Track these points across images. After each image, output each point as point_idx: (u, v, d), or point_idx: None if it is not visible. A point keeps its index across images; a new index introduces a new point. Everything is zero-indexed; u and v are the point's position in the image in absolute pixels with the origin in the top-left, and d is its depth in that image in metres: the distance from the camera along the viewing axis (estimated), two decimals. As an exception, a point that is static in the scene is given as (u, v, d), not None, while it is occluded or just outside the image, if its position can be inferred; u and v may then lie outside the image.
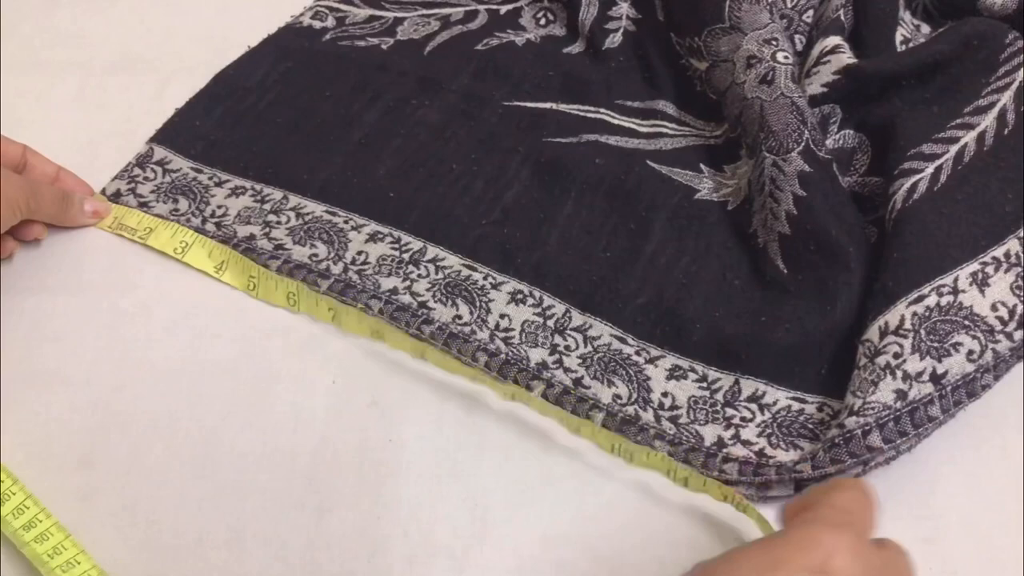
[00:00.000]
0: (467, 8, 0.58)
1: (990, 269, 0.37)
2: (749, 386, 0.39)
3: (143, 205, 0.47)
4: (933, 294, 0.37)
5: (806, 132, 0.43)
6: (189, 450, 0.38)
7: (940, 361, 0.36)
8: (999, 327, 0.36)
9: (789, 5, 0.51)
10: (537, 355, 0.40)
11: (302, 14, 0.58)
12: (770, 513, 0.36)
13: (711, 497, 0.36)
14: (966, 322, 0.36)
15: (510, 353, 0.40)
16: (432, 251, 0.44)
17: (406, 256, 0.44)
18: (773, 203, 0.42)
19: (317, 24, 0.57)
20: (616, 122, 0.50)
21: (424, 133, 0.50)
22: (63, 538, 0.35)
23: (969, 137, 0.41)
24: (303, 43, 0.55)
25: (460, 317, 0.42)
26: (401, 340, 0.41)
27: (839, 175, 0.43)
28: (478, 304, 0.42)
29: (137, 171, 0.49)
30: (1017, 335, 0.36)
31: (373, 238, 0.45)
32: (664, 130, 0.50)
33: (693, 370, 0.40)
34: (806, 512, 0.27)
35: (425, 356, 0.40)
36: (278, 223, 0.46)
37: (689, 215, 0.45)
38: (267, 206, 0.47)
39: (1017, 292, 0.37)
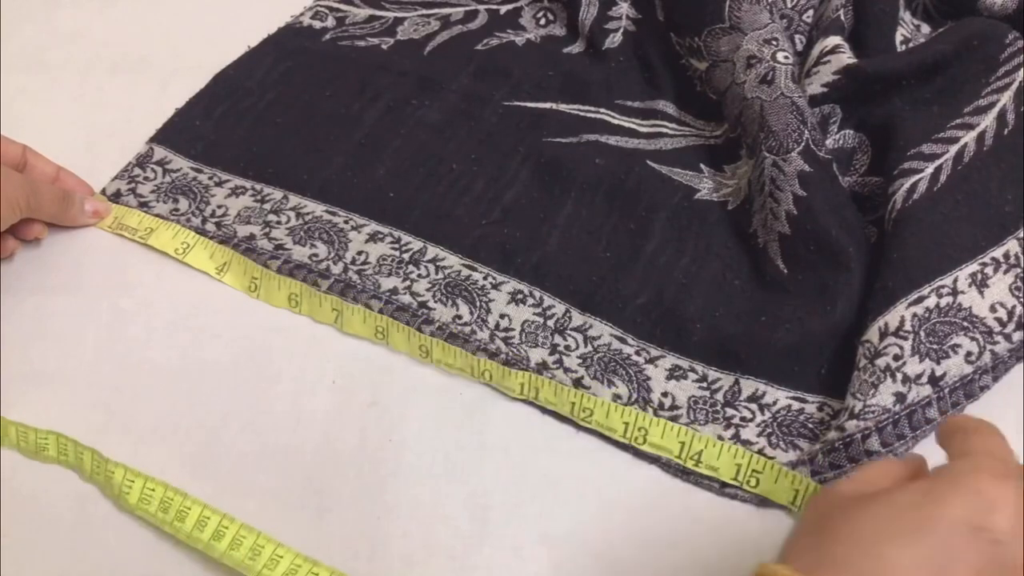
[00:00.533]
0: (467, 8, 0.58)
1: (989, 270, 0.37)
2: (749, 386, 0.39)
3: (143, 205, 0.47)
4: (933, 295, 0.37)
5: (806, 132, 0.43)
6: (189, 450, 0.38)
7: (939, 363, 0.36)
8: (998, 328, 0.36)
9: (789, 5, 0.51)
10: (537, 355, 0.40)
11: (302, 14, 0.58)
12: (771, 518, 0.36)
13: (722, 476, 0.36)
14: (965, 323, 0.36)
15: (510, 353, 0.40)
16: (432, 251, 0.44)
17: (406, 256, 0.44)
18: (773, 203, 0.42)
19: (317, 24, 0.57)
20: (616, 122, 0.50)
21: (424, 133, 0.50)
22: (256, 537, 0.34)
23: (969, 137, 0.41)
24: (303, 43, 0.56)
25: (460, 317, 0.42)
26: (405, 341, 0.41)
27: (839, 175, 0.43)
28: (478, 304, 0.42)
29: (137, 171, 0.49)
30: (1016, 336, 0.36)
31: (373, 238, 0.45)
32: (664, 130, 0.50)
33: (693, 370, 0.40)
34: (956, 458, 0.26)
35: (430, 355, 0.40)
36: (278, 223, 0.46)
37: (689, 215, 0.45)
38: (267, 206, 0.47)
39: (1016, 293, 0.37)
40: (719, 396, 0.39)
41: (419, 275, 0.43)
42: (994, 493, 0.23)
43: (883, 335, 0.37)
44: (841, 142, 0.46)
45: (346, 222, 0.46)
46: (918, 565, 0.22)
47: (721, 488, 0.36)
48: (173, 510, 0.35)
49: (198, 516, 0.34)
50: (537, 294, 0.43)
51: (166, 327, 0.42)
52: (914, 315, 0.37)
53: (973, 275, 0.37)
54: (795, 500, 0.35)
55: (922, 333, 0.36)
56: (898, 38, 0.49)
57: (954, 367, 0.36)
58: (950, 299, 0.37)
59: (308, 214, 0.46)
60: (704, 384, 0.39)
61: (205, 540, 0.34)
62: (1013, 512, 0.23)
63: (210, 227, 0.46)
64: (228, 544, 0.34)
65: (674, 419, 0.38)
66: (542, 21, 0.57)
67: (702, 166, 0.48)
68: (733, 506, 0.36)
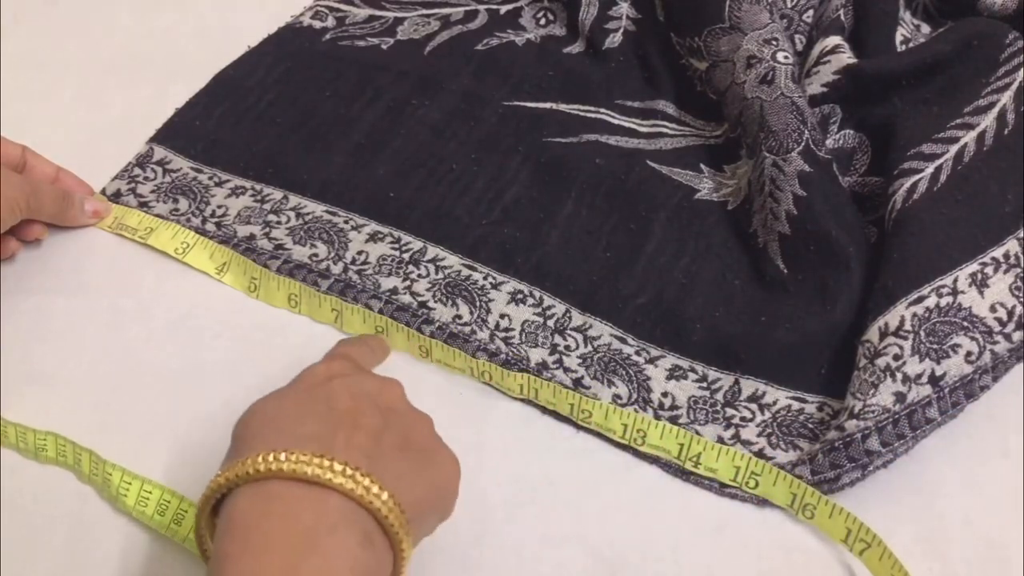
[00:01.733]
0: (467, 8, 0.58)
1: (989, 270, 0.37)
2: (749, 386, 0.39)
3: (143, 205, 0.47)
4: (933, 295, 0.37)
5: (806, 132, 0.43)
6: (189, 451, 0.38)
7: (939, 363, 0.36)
8: (998, 328, 0.36)
9: (789, 5, 0.51)
10: (537, 355, 0.40)
11: (302, 14, 0.58)
12: (772, 518, 0.36)
13: (721, 477, 0.36)
14: (965, 323, 0.36)
15: (510, 353, 0.40)
16: (432, 251, 0.44)
17: (406, 256, 0.44)
18: (773, 203, 0.42)
19: (317, 24, 0.57)
20: (616, 122, 0.50)
21: (424, 133, 0.50)
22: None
23: (969, 137, 0.41)
24: (303, 43, 0.56)
25: (460, 317, 0.42)
26: (404, 341, 0.41)
27: (839, 175, 0.43)
28: (478, 304, 0.42)
29: (137, 171, 0.49)
30: (1016, 336, 0.36)
31: (373, 238, 0.45)
32: (664, 130, 0.50)
33: (693, 370, 0.40)
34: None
35: (431, 354, 0.40)
36: (278, 223, 0.46)
37: (689, 215, 0.45)
38: (267, 206, 0.47)
39: (1016, 293, 0.37)
40: (719, 396, 0.39)
41: (419, 275, 0.43)
42: (316, 366, 0.31)
43: (883, 335, 0.37)
44: (841, 142, 0.46)
45: (346, 222, 0.46)
46: (306, 403, 0.28)
47: (721, 488, 0.36)
48: (170, 513, 0.35)
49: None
50: (537, 294, 0.43)
51: (166, 327, 0.42)
52: (914, 315, 0.37)
53: (973, 275, 0.37)
54: (793, 503, 0.35)
55: (922, 333, 0.36)
56: (898, 38, 0.49)
57: (954, 367, 0.36)
58: (950, 299, 0.37)
59: (308, 214, 0.46)
60: (704, 384, 0.39)
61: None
62: (323, 364, 0.31)
63: (210, 227, 0.46)
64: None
65: (674, 419, 0.38)
66: (542, 21, 0.57)
67: (702, 166, 0.48)
68: (733, 506, 0.36)
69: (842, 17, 0.49)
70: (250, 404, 0.29)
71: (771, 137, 0.43)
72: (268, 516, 0.24)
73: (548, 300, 0.42)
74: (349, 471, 0.24)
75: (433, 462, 0.29)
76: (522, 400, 0.39)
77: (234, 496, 0.25)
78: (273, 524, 0.24)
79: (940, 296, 0.37)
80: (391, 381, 0.31)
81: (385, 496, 0.25)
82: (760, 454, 0.37)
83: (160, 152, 0.50)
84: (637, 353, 0.40)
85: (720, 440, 0.37)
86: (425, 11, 0.58)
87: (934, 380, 0.35)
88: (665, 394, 0.39)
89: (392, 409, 0.29)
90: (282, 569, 0.23)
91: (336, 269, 0.44)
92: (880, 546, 0.33)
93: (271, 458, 0.24)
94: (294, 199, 0.47)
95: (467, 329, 0.41)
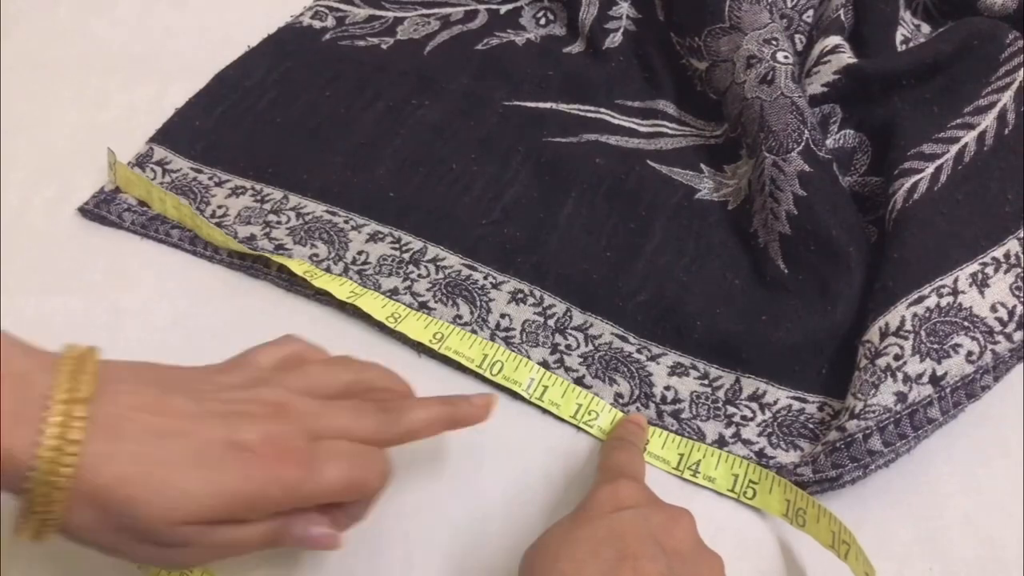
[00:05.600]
0: (467, 8, 0.58)
1: (990, 270, 0.38)
2: (750, 385, 0.39)
3: (142, 204, 0.47)
4: (933, 295, 0.37)
5: (806, 132, 0.43)
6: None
7: (940, 363, 0.36)
8: (998, 328, 0.36)
9: (789, 5, 0.51)
10: (538, 354, 0.40)
11: (302, 14, 0.58)
12: (772, 517, 0.36)
13: (719, 487, 0.36)
14: (965, 323, 0.36)
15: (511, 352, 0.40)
16: (432, 251, 0.44)
17: (406, 256, 0.44)
18: (773, 203, 0.42)
19: (317, 24, 0.57)
20: (616, 122, 0.50)
21: (424, 133, 0.50)
22: None
23: (969, 137, 0.42)
24: (303, 43, 0.56)
25: (460, 317, 0.42)
26: (421, 329, 0.41)
27: (839, 175, 0.43)
28: (478, 304, 0.42)
29: (137, 171, 0.49)
30: (1016, 336, 0.36)
31: (373, 238, 0.45)
32: (664, 130, 0.50)
33: (695, 367, 0.40)
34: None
35: (444, 341, 0.40)
36: (278, 223, 0.46)
37: (689, 215, 0.45)
38: (267, 206, 0.47)
39: (1016, 293, 0.37)
40: (720, 393, 0.39)
41: (419, 275, 0.43)
42: (610, 487, 0.31)
43: (884, 335, 0.37)
44: (841, 142, 0.46)
45: (346, 222, 0.46)
46: (590, 539, 0.28)
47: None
48: None
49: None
50: (538, 293, 0.43)
51: (166, 327, 0.42)
52: (915, 315, 0.37)
53: (974, 275, 0.37)
54: (787, 510, 0.35)
55: (923, 333, 0.36)
56: (898, 38, 0.49)
57: (955, 367, 0.36)
58: (951, 299, 0.37)
59: (308, 214, 0.46)
60: (705, 381, 0.39)
61: None
62: (631, 487, 0.31)
63: (210, 227, 0.46)
64: None
65: (677, 413, 0.38)
66: (542, 21, 0.57)
67: (702, 166, 0.48)
68: (733, 507, 0.36)
69: (842, 17, 0.49)
70: (541, 534, 0.30)
71: (771, 137, 0.43)
72: None
73: (548, 299, 0.42)
74: None
75: None
76: (523, 400, 0.39)
77: None
78: None
79: (940, 296, 0.37)
80: (681, 514, 0.30)
81: None
82: (761, 454, 0.37)
83: (160, 152, 0.50)
84: (638, 351, 0.40)
85: (721, 438, 0.37)
86: (425, 11, 0.58)
87: (935, 380, 0.35)
88: (668, 387, 0.39)
89: (678, 552, 0.29)
90: None
91: (337, 269, 0.44)
92: (855, 544, 0.32)
93: None
94: (294, 199, 0.47)
95: (468, 329, 0.41)
